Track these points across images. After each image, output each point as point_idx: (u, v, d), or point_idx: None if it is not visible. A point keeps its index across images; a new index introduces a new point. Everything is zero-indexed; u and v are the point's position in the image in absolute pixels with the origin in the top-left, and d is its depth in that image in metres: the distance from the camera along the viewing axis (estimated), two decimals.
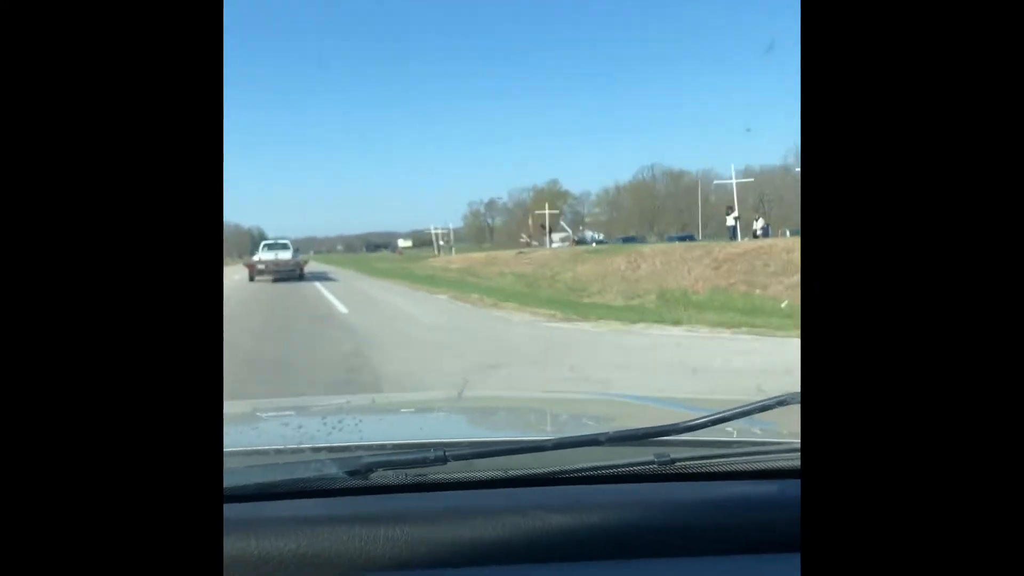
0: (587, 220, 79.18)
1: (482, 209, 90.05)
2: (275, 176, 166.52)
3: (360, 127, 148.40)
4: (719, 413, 0.89)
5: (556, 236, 65.25)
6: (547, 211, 38.43)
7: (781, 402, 0.87)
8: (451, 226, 60.71)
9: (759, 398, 0.90)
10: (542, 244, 37.01)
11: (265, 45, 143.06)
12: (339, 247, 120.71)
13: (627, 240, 42.88)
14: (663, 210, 70.67)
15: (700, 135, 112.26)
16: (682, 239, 36.03)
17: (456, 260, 34.70)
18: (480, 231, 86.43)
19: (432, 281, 20.74)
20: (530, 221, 75.86)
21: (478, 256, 32.59)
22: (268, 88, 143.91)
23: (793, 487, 0.77)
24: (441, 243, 53.38)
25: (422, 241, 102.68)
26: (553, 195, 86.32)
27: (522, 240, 49.38)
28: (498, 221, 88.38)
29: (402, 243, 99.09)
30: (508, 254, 29.15)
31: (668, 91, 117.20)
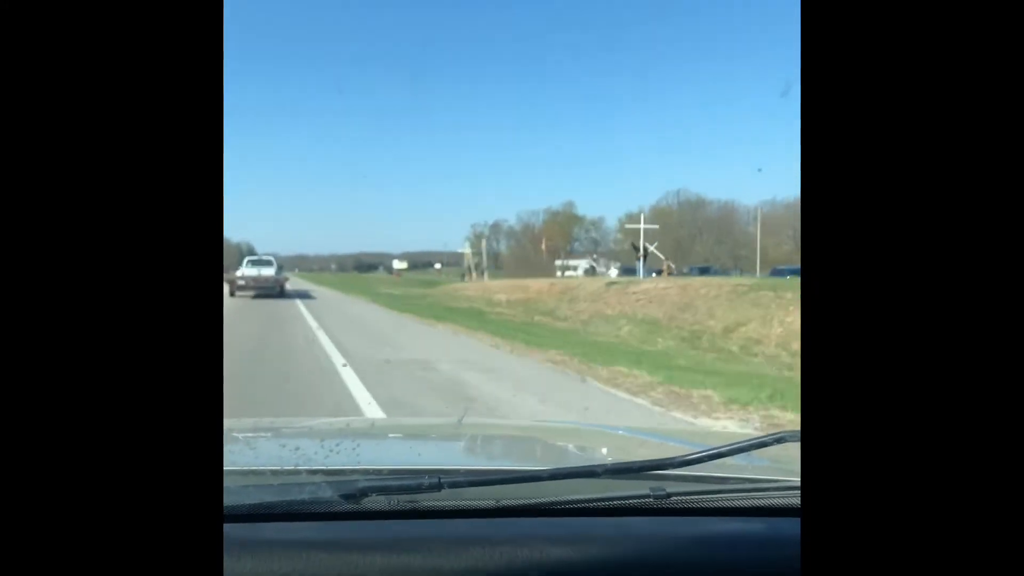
0: (600, 248, 71.59)
1: (486, 232, 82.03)
2: (268, 191, 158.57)
3: (357, 146, 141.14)
4: (717, 448, 0.90)
5: (580, 263, 57.13)
6: (642, 225, 29.05)
7: (779, 439, 0.87)
8: (468, 249, 52.49)
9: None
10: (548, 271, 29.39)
11: (267, 58, 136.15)
12: (332, 266, 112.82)
13: (702, 271, 34.68)
14: (692, 239, 62.98)
15: (719, 165, 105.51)
16: (794, 272, 28.12)
17: (497, 288, 26.07)
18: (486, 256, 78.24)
19: (540, 336, 12.13)
20: (543, 245, 68.57)
21: (536, 285, 23.91)
22: (269, 101, 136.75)
23: (789, 525, 0.75)
24: (445, 266, 45.27)
25: (415, 263, 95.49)
26: (567, 219, 78.54)
27: (585, 267, 41.17)
28: (502, 246, 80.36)
29: (397, 264, 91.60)
30: (592, 284, 20.86)
31: (686, 119, 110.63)
